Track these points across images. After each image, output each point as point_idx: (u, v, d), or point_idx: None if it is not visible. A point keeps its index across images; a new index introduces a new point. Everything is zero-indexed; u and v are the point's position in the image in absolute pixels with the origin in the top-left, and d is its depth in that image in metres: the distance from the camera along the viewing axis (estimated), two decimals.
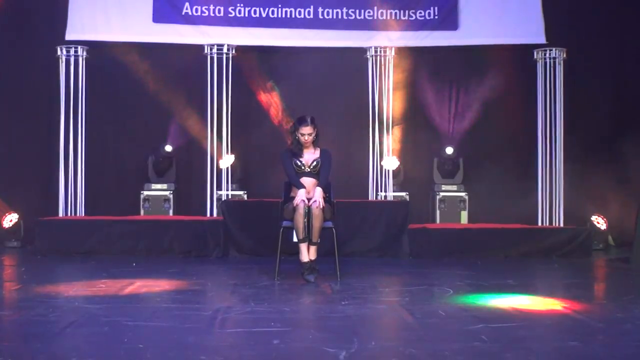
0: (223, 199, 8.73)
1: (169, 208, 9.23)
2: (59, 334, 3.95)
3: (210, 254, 7.94)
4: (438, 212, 9.35)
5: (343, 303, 5.00)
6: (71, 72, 9.11)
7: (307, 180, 6.15)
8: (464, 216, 9.33)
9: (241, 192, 9.25)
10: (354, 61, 9.48)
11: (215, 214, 8.94)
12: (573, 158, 9.18)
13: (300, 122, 6.20)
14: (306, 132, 6.15)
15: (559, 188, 9.13)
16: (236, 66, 9.29)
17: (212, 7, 9.52)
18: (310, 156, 6.22)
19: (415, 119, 9.75)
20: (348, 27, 9.56)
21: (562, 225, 9.00)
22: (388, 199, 9.11)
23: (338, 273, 6.09)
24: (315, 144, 6.24)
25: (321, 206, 5.92)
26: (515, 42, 9.54)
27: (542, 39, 9.48)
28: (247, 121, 9.51)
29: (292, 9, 9.58)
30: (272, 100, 9.53)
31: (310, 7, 9.57)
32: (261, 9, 9.56)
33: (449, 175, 9.54)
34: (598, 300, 5.68)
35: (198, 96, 9.41)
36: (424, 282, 6.24)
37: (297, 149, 6.21)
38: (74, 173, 9.12)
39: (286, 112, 9.33)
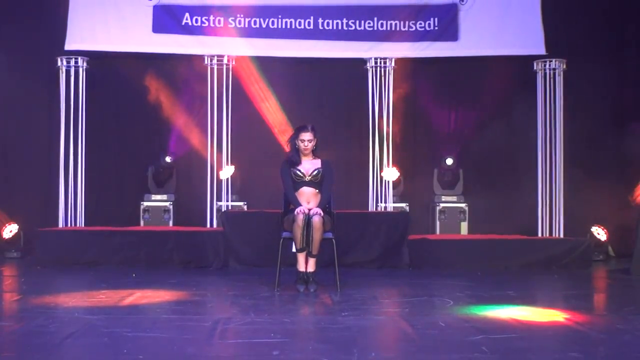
0: (223, 210, 8.74)
1: (169, 219, 9.22)
2: (59, 344, 3.95)
3: (210, 265, 7.94)
4: (438, 223, 9.33)
5: (343, 314, 5.00)
6: (71, 82, 9.12)
7: (307, 190, 6.17)
8: (464, 227, 9.31)
9: (241, 203, 9.24)
10: (354, 72, 9.49)
11: (215, 225, 8.93)
12: (573, 169, 9.18)
13: (301, 128, 6.25)
14: (306, 138, 6.17)
15: (559, 199, 9.12)
16: (236, 76, 9.31)
17: (212, 18, 9.52)
18: (310, 165, 6.22)
19: (415, 130, 9.76)
20: (348, 38, 9.54)
21: (562, 236, 8.99)
22: (388, 210, 9.10)
23: (338, 284, 6.09)
24: (315, 153, 6.26)
25: (321, 219, 5.94)
26: (515, 53, 9.53)
27: (542, 50, 9.48)
28: (247, 132, 9.51)
29: (292, 20, 9.57)
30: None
31: (310, 18, 9.57)
32: (261, 19, 9.55)
33: (449, 186, 9.53)
34: (598, 312, 5.68)
35: (198, 106, 9.44)
36: (424, 293, 6.24)
37: (296, 158, 6.23)
38: (74, 183, 9.12)
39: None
